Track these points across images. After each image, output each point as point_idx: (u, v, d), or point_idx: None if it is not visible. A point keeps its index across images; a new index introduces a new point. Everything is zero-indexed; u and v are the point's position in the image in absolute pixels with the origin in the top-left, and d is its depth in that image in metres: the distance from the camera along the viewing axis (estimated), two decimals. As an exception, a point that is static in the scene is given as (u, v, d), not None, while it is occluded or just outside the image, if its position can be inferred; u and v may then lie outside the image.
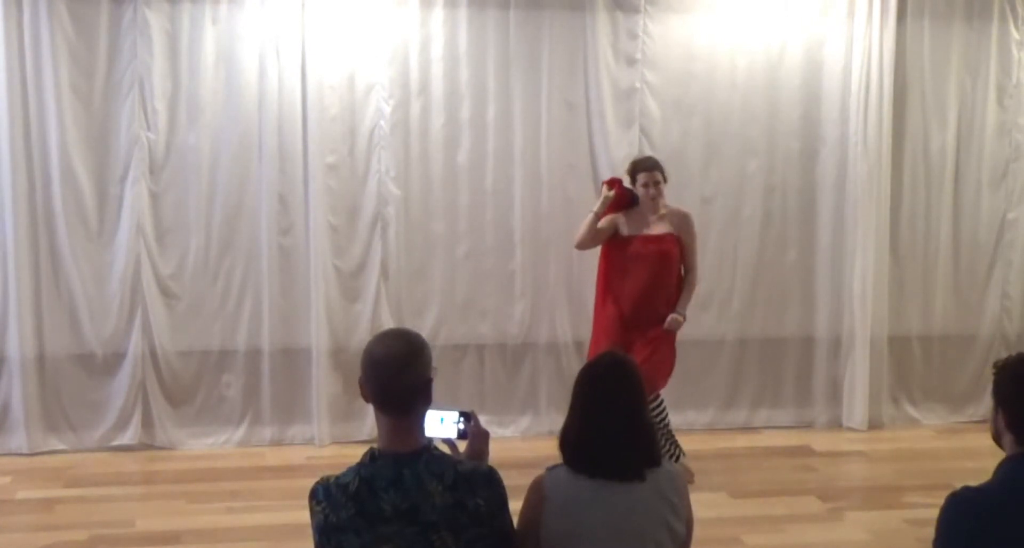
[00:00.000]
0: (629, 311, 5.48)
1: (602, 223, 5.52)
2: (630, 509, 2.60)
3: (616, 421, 2.64)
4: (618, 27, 6.25)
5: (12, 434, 5.87)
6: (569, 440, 2.68)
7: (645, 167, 5.49)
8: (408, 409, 2.49)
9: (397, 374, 2.46)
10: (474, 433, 2.69)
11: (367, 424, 5.99)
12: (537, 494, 2.63)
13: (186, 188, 5.99)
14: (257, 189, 6.01)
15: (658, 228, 5.48)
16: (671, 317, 5.46)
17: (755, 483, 5.60)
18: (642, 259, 5.46)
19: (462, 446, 2.71)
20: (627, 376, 2.70)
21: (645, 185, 5.44)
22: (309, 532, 2.51)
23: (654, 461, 2.67)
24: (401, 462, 2.44)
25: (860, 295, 6.46)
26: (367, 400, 2.53)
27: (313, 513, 2.47)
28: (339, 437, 6.08)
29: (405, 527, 2.40)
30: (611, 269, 5.59)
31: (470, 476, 2.48)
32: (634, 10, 6.23)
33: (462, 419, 2.69)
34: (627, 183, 5.56)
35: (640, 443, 2.66)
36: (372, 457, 2.47)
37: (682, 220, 5.52)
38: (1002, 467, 2.55)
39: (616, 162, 6.28)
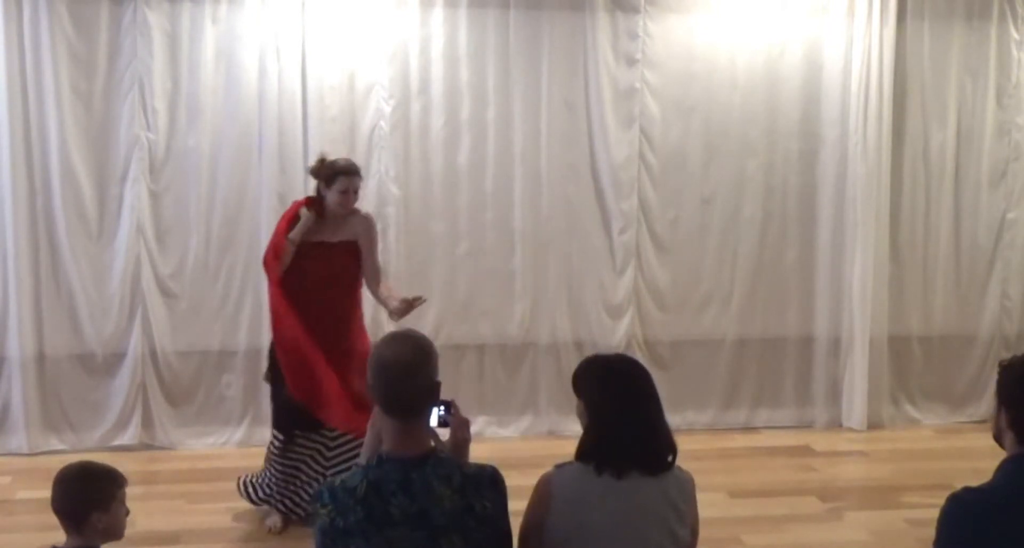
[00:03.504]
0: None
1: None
2: (634, 512, 2.61)
3: (645, 415, 2.68)
4: (618, 27, 6.24)
5: (12, 434, 5.88)
6: (602, 435, 2.66)
7: (351, 171, 4.83)
8: (416, 412, 2.49)
9: (407, 378, 2.45)
10: (455, 422, 2.68)
11: (367, 424, 5.98)
12: (545, 491, 2.64)
13: (186, 188, 5.99)
14: (257, 189, 6.01)
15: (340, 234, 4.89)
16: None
17: (755, 483, 5.61)
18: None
19: (444, 435, 2.69)
20: (647, 374, 2.75)
21: (344, 192, 4.80)
22: (309, 532, 2.51)
23: (667, 464, 2.68)
24: (409, 466, 2.44)
25: (860, 295, 6.46)
26: (371, 402, 2.53)
27: (317, 515, 2.46)
28: (339, 437, 6.08)
29: (413, 531, 2.40)
30: None
31: (476, 478, 2.48)
32: (634, 10, 6.23)
33: (443, 408, 2.69)
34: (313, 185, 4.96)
35: (661, 439, 2.68)
36: (379, 460, 2.46)
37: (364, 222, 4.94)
38: (1003, 467, 2.54)
39: (616, 162, 6.28)
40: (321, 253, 4.80)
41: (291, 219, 4.82)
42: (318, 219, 4.80)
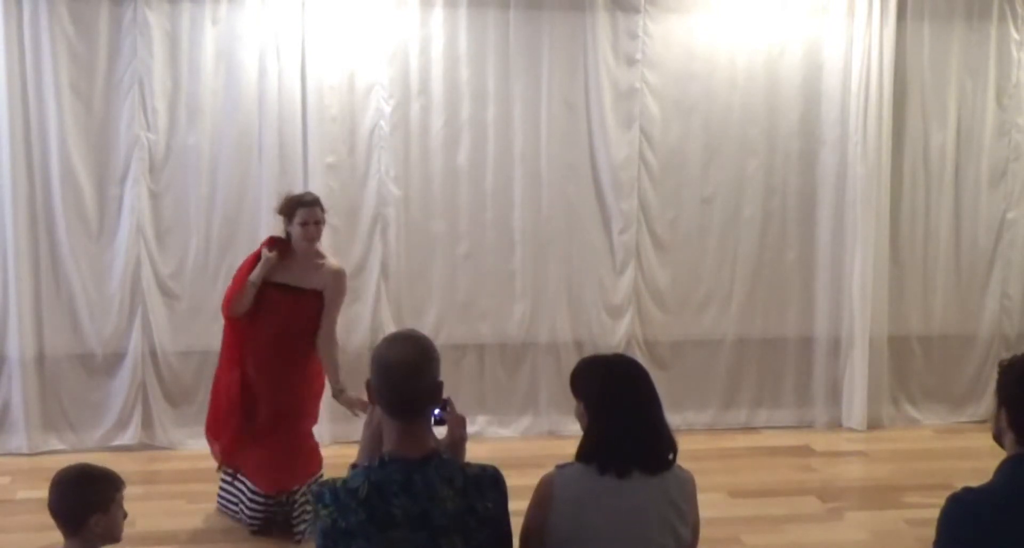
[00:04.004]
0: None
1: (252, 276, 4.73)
2: (636, 512, 2.61)
3: (645, 415, 2.68)
4: (618, 27, 6.25)
5: (12, 434, 5.88)
6: (602, 435, 2.66)
7: (310, 202, 4.73)
8: (419, 413, 2.49)
9: (409, 379, 2.44)
10: (452, 420, 2.68)
11: (367, 424, 5.98)
12: (546, 492, 2.64)
13: (186, 188, 5.99)
14: (257, 189, 6.01)
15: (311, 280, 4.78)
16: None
17: (755, 483, 5.61)
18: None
19: (440, 433, 2.68)
20: (646, 374, 2.76)
21: (304, 223, 4.70)
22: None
23: (667, 463, 2.68)
24: (411, 467, 2.43)
25: (860, 295, 6.47)
26: (373, 403, 2.52)
27: (319, 516, 2.44)
28: (339, 437, 6.05)
29: (415, 532, 2.39)
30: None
31: (478, 479, 2.47)
32: (634, 10, 6.23)
33: (438, 406, 2.68)
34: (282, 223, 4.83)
35: (662, 439, 2.68)
36: (381, 462, 2.46)
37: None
38: (1003, 467, 2.54)
39: (616, 162, 6.28)
40: (285, 296, 4.73)
41: (254, 260, 4.77)
42: (284, 259, 4.73)
